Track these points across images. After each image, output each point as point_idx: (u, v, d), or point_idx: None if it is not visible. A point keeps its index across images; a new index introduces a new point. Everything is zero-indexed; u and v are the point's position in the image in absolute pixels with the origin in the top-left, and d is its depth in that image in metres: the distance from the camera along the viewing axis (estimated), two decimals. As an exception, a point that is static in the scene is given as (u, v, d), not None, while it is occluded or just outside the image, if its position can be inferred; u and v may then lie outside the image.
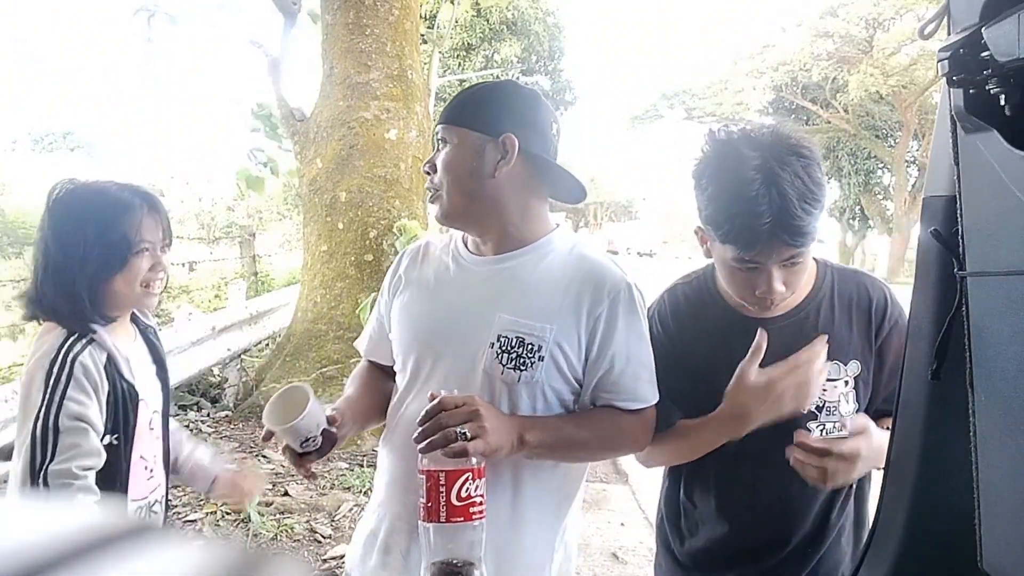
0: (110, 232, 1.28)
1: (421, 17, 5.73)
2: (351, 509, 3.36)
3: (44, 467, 1.20)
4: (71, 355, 1.25)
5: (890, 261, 23.79)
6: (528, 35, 21.19)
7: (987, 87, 0.63)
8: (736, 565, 1.23)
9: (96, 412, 1.26)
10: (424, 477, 0.99)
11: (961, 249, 0.71)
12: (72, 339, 1.27)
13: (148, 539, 0.25)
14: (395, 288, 1.28)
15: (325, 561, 2.90)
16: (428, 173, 1.20)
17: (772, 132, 1.06)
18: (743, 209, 1.01)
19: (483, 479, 0.99)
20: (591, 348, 1.12)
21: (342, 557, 2.93)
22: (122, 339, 1.37)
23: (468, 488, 0.98)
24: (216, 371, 5.23)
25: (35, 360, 1.27)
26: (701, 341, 1.22)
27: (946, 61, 0.66)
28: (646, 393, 1.14)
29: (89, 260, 1.27)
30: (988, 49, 0.62)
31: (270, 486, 3.57)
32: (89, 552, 0.23)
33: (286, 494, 3.48)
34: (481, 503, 0.99)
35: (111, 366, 1.30)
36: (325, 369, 4.47)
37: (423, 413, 1.01)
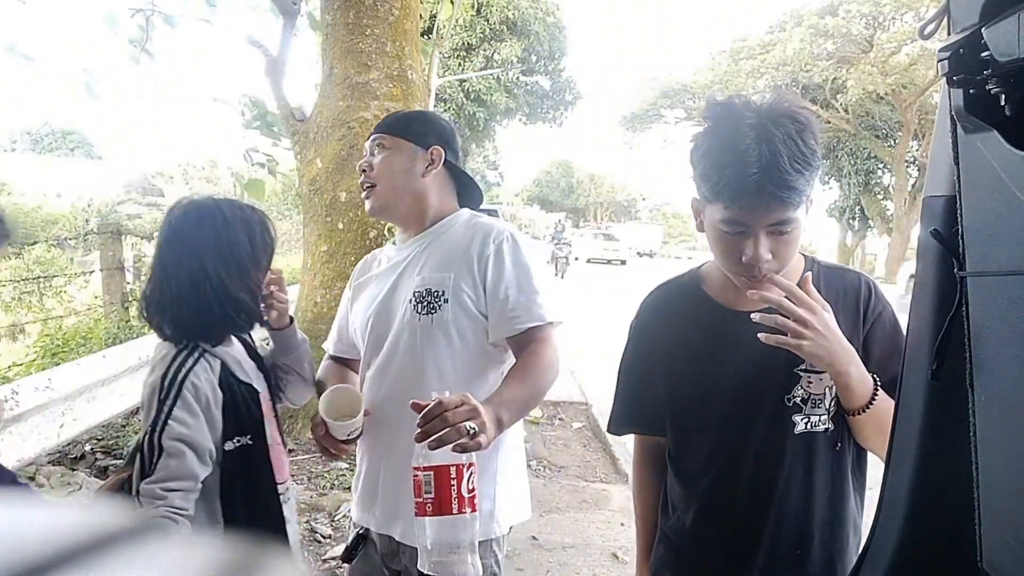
0: (260, 243, 1.39)
1: (421, 17, 5.73)
2: (351, 509, 3.36)
3: (147, 492, 1.24)
4: (181, 373, 1.29)
5: (888, 262, 23.78)
6: (528, 35, 21.17)
7: (987, 87, 0.63)
8: (723, 559, 1.22)
9: (203, 432, 1.28)
10: (431, 473, 1.06)
11: (961, 249, 0.71)
12: (182, 355, 1.31)
13: (148, 539, 0.25)
14: (351, 296, 1.62)
15: (325, 561, 2.90)
16: (364, 171, 1.48)
17: (771, 97, 1.07)
18: (733, 159, 1.02)
19: (460, 476, 1.09)
20: (486, 285, 1.37)
21: (342, 557, 2.94)
22: (227, 343, 1.42)
23: (473, 480, 1.09)
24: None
25: (152, 376, 1.31)
26: (686, 338, 1.22)
27: (946, 61, 0.66)
28: (541, 312, 1.36)
29: (251, 272, 1.36)
30: (988, 49, 0.62)
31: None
32: (89, 552, 0.23)
33: (286, 494, 3.48)
34: (477, 492, 1.11)
35: (226, 372, 1.35)
36: (325, 369, 4.47)
37: (422, 415, 1.09)
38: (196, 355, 1.31)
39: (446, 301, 1.37)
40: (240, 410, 1.35)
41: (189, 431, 1.26)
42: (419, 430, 1.08)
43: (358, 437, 1.41)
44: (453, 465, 1.07)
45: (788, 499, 1.17)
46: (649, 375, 1.28)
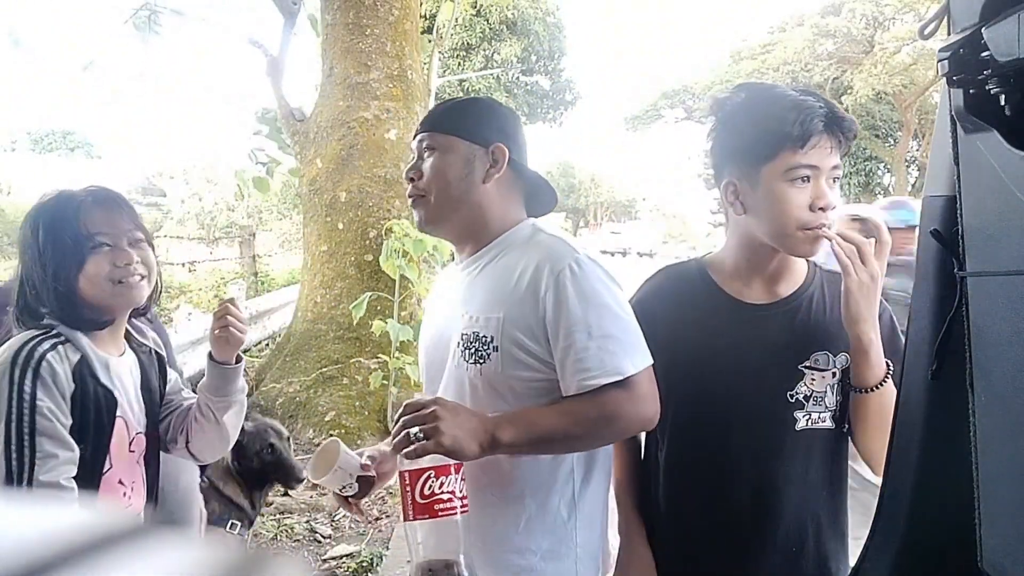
0: (61, 234, 1.22)
1: (421, 17, 5.73)
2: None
3: (27, 478, 1.13)
4: (35, 355, 1.17)
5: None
6: (528, 35, 21.18)
7: (987, 87, 0.63)
8: (721, 553, 1.22)
9: (67, 418, 1.18)
10: (400, 481, 1.05)
11: (961, 249, 0.71)
12: (37, 338, 1.20)
13: (148, 539, 0.25)
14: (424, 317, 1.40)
15: (325, 561, 2.90)
16: (412, 180, 1.21)
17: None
18: (795, 105, 1.07)
19: (451, 476, 1.02)
20: (548, 329, 1.10)
21: (342, 557, 2.94)
22: (108, 349, 1.30)
23: (431, 486, 1.01)
24: (216, 371, 5.22)
25: None
26: (690, 325, 1.21)
27: (946, 61, 0.66)
28: (620, 364, 1.07)
29: (49, 266, 1.21)
30: (988, 49, 0.62)
31: (270, 486, 3.58)
32: (89, 552, 0.23)
33: (286, 494, 3.48)
34: (449, 500, 1.01)
35: (83, 367, 1.22)
36: (325, 369, 4.47)
37: (395, 419, 1.06)
38: (51, 340, 1.20)
39: (495, 349, 1.12)
40: (87, 413, 1.21)
41: (62, 416, 1.17)
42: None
43: (358, 492, 1.27)
44: (404, 471, 1.02)
45: (786, 495, 1.17)
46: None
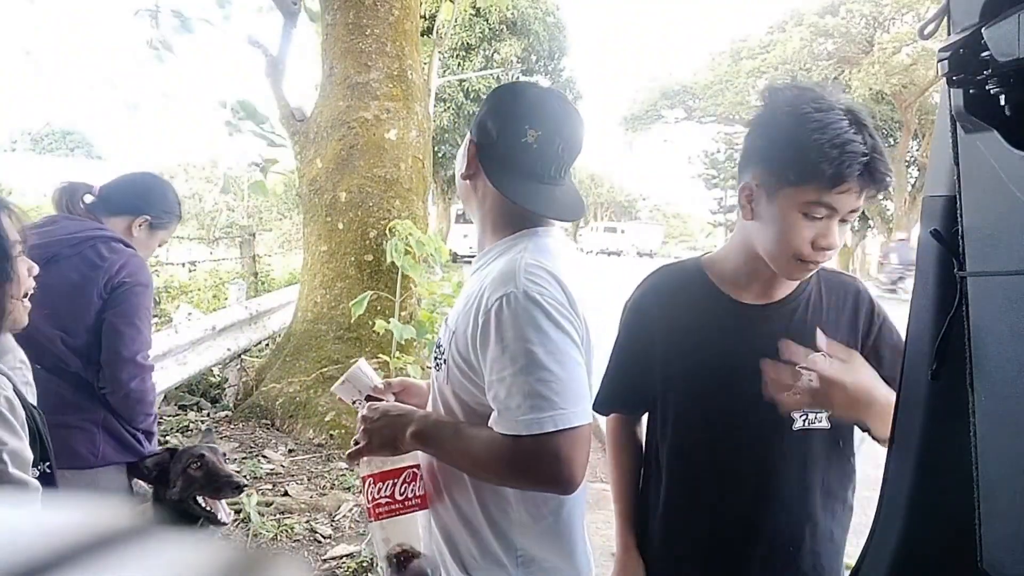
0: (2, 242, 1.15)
1: (421, 17, 5.73)
2: (351, 509, 3.36)
3: None
4: None
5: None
6: (528, 35, 21.18)
7: (987, 87, 0.63)
8: (717, 553, 1.22)
9: (29, 456, 1.11)
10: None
11: (961, 249, 0.71)
12: None
13: (148, 539, 0.25)
14: None
15: (325, 561, 2.90)
16: None
17: (829, 86, 1.09)
18: (841, 143, 1.00)
19: (385, 482, 1.15)
20: (479, 359, 1.05)
21: (342, 557, 2.94)
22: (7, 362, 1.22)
23: (371, 492, 1.15)
24: (216, 371, 5.23)
25: None
26: (687, 324, 1.21)
27: (946, 61, 0.66)
28: (532, 418, 0.95)
29: None
30: (988, 49, 0.62)
31: (270, 486, 3.57)
32: (89, 552, 0.23)
33: (286, 494, 3.48)
34: (384, 503, 1.14)
35: (15, 390, 1.13)
36: (325, 369, 4.47)
37: None
38: None
39: (445, 362, 1.12)
40: (40, 432, 1.18)
41: (22, 455, 1.08)
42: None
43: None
44: (367, 476, 1.16)
45: (783, 495, 1.17)
46: (645, 357, 1.26)
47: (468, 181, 1.17)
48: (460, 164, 1.18)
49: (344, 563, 2.88)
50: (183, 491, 1.86)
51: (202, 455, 1.90)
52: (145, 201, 1.94)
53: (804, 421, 1.15)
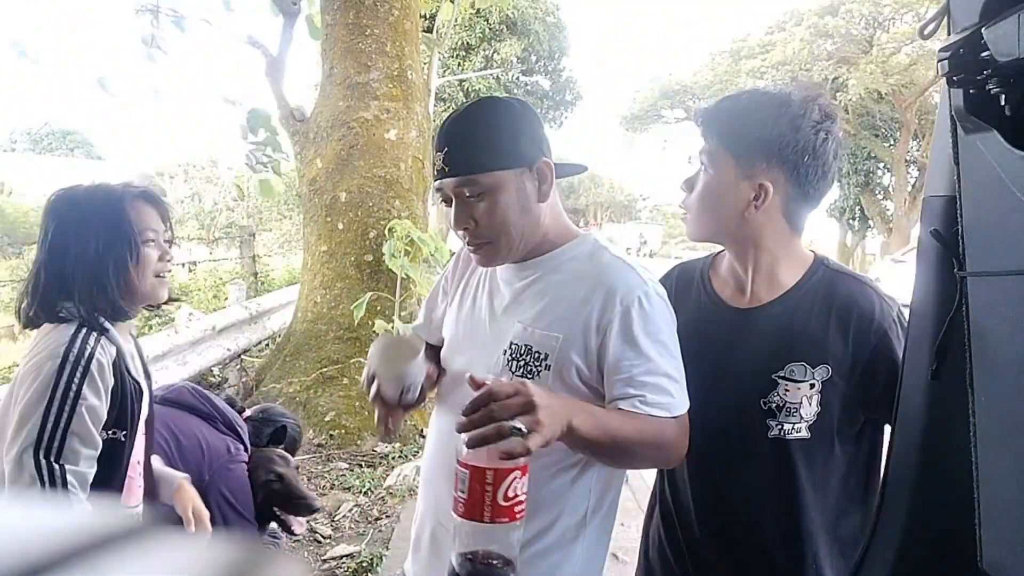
0: (119, 226, 1.29)
1: (421, 17, 5.72)
2: (351, 509, 3.36)
3: (45, 467, 1.18)
4: (87, 351, 1.24)
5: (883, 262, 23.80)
6: (528, 35, 21.17)
7: (987, 87, 0.63)
8: (698, 562, 1.23)
9: (103, 416, 1.26)
10: (467, 472, 0.89)
11: (961, 249, 0.71)
12: (85, 333, 1.26)
13: (148, 539, 0.25)
14: (448, 288, 1.32)
15: (325, 561, 2.90)
16: (466, 229, 1.11)
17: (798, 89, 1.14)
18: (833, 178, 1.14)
19: (527, 475, 0.91)
20: (604, 360, 1.06)
21: (342, 557, 2.94)
22: (125, 336, 1.37)
23: (516, 487, 0.90)
24: (216, 371, 5.23)
25: (45, 352, 1.23)
26: (684, 324, 1.18)
27: (946, 61, 0.66)
28: (673, 404, 1.05)
29: (102, 255, 1.28)
30: (988, 49, 0.62)
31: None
32: (89, 552, 0.23)
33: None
34: (524, 500, 0.92)
35: (120, 361, 1.30)
36: (325, 369, 4.47)
37: (470, 402, 0.90)
38: (96, 335, 1.27)
39: (547, 368, 1.08)
40: (126, 403, 1.30)
41: (101, 414, 1.24)
42: (463, 418, 0.89)
43: (417, 402, 1.17)
44: (490, 469, 0.88)
45: (763, 502, 1.16)
46: None
47: (543, 203, 1.14)
48: (524, 203, 1.12)
49: (344, 563, 2.88)
50: (262, 501, 2.08)
51: (281, 474, 2.12)
52: None
53: (780, 430, 1.12)
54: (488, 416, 0.87)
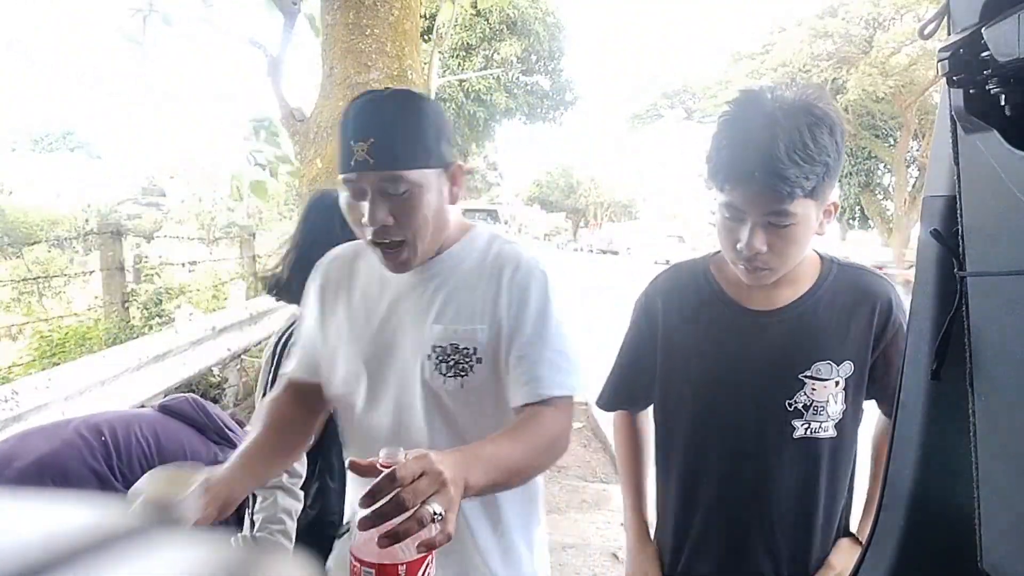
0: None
1: (421, 17, 5.73)
2: (351, 509, 3.36)
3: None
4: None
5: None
6: (528, 35, 21.17)
7: (987, 87, 0.63)
8: (718, 563, 1.22)
9: None
10: (373, 571, 0.75)
11: (961, 249, 0.71)
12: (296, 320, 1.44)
13: (148, 539, 0.25)
14: (323, 309, 1.21)
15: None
16: (384, 227, 1.03)
17: (798, 88, 1.07)
18: (732, 143, 1.04)
19: (427, 566, 0.78)
20: (506, 334, 1.06)
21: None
22: None
23: (430, 572, 0.79)
24: (216, 371, 5.23)
25: (272, 339, 1.61)
26: (689, 327, 1.21)
27: (946, 61, 0.66)
28: (568, 380, 1.05)
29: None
30: (988, 49, 0.62)
31: (270, 486, 3.57)
32: (89, 552, 0.23)
33: (286, 494, 3.47)
34: None
35: None
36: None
37: (367, 493, 0.75)
38: None
39: (479, 361, 1.07)
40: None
41: None
42: (362, 512, 0.74)
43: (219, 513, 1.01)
44: (402, 564, 0.74)
45: (785, 503, 1.16)
46: (648, 356, 1.27)
47: (455, 204, 1.13)
48: (440, 203, 1.09)
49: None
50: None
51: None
52: None
53: (807, 430, 1.14)
54: (397, 506, 0.74)
